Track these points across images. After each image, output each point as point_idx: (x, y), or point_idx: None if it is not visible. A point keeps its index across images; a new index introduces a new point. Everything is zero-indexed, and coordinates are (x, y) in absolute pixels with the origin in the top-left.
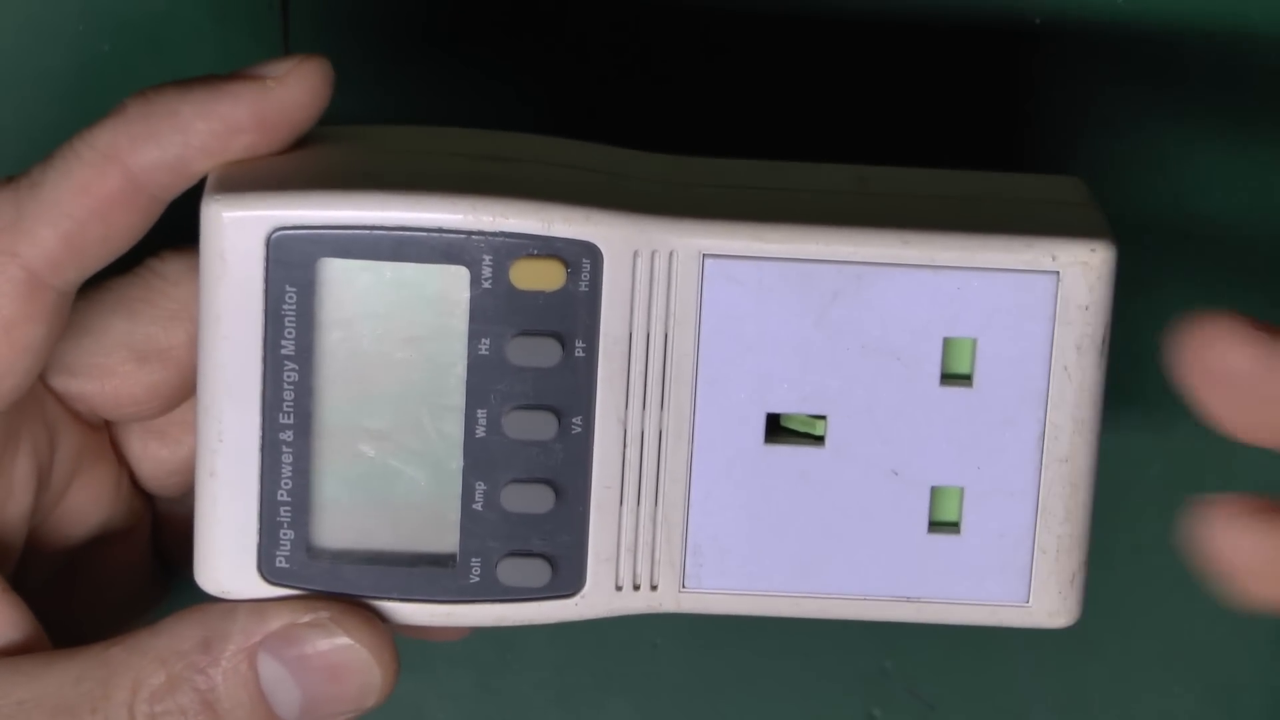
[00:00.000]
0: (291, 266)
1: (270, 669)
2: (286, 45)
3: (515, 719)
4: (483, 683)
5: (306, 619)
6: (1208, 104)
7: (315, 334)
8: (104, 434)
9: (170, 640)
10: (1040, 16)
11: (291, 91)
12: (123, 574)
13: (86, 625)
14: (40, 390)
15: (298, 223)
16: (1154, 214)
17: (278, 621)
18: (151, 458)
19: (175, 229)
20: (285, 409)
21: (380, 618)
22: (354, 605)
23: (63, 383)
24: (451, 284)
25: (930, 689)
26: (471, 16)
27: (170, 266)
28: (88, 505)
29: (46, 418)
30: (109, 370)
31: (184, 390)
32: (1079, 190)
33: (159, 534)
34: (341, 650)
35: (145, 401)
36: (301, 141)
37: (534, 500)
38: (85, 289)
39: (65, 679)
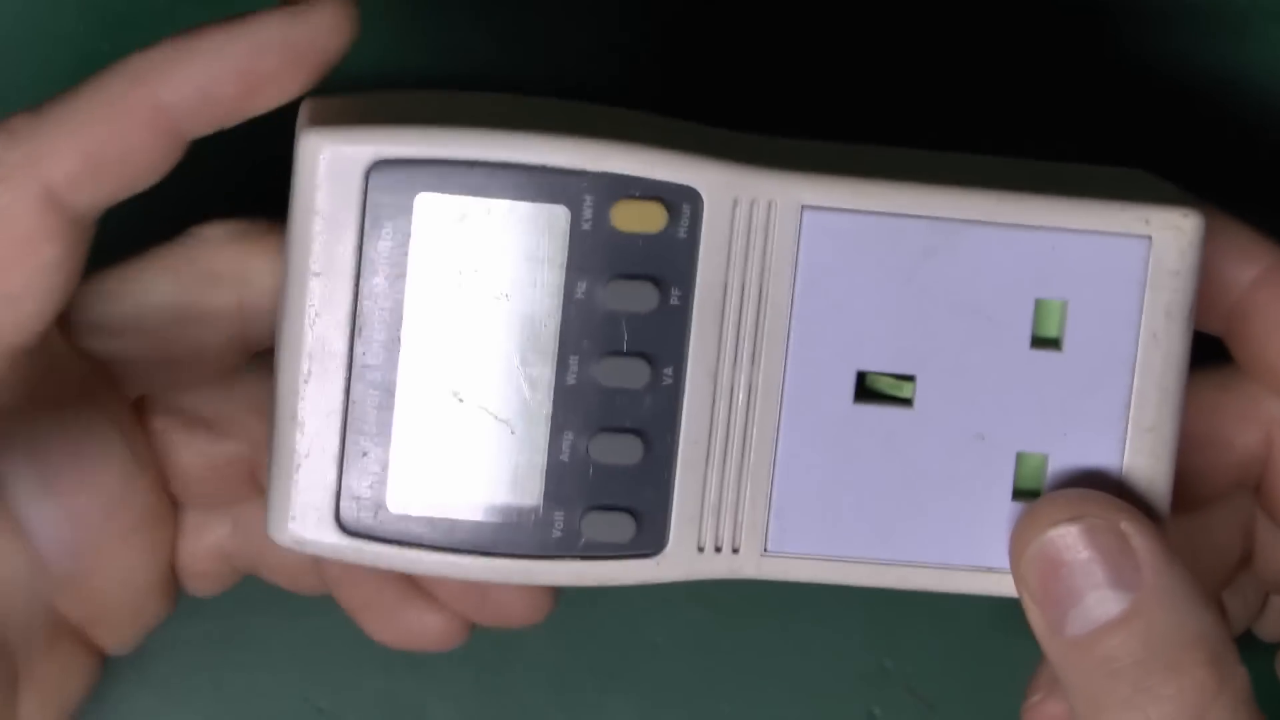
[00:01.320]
0: (389, 201)
1: None
2: None
3: (515, 719)
4: (483, 683)
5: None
6: None
7: (408, 272)
8: (131, 411)
9: None
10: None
11: (320, 17)
12: (128, 573)
13: (90, 619)
14: (52, 336)
15: (398, 155)
16: None
17: None
18: (193, 449)
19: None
20: (374, 351)
21: None
22: None
23: (103, 343)
24: (551, 223)
25: (930, 689)
26: (477, 21)
27: (215, 231)
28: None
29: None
30: (152, 333)
31: (228, 359)
32: (1150, 179)
33: (183, 553)
34: None
35: (186, 365)
36: (384, 94)
37: (622, 451)
38: (128, 254)
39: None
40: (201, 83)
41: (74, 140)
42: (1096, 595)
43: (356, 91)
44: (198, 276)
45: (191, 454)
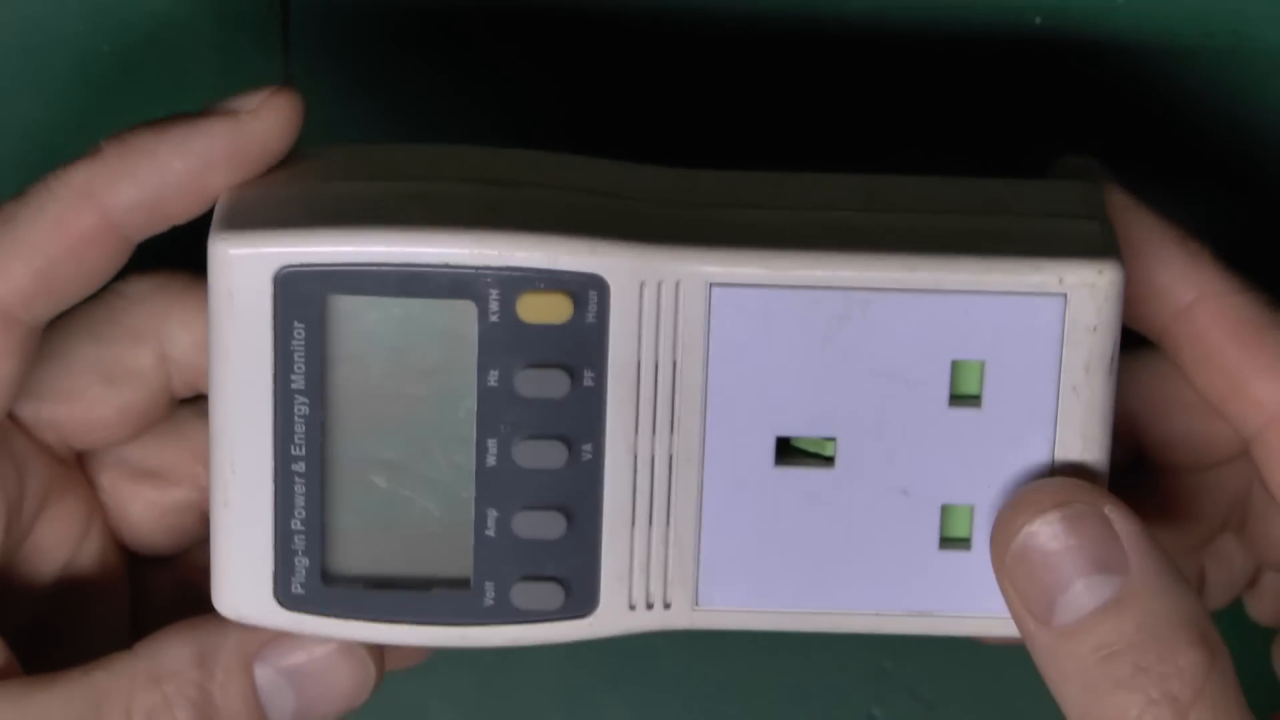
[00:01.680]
0: (299, 303)
1: (266, 679)
2: (286, 45)
3: (515, 719)
4: (483, 683)
5: (344, 641)
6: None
7: (325, 368)
8: (75, 469)
9: (160, 660)
10: (1040, 16)
11: (265, 124)
12: (94, 632)
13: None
14: (6, 424)
15: (305, 260)
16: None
17: (269, 631)
18: (142, 500)
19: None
20: (297, 441)
21: None
22: None
23: (31, 409)
24: (459, 318)
25: (930, 689)
26: (475, 21)
27: (135, 287)
28: (57, 541)
29: (13, 451)
30: (77, 394)
31: (154, 412)
32: (1088, 197)
33: (140, 604)
34: (336, 652)
35: (115, 425)
36: (305, 164)
37: (546, 526)
38: None
39: (52, 706)
40: (149, 196)
41: (26, 260)
42: (1085, 582)
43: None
44: (119, 336)
45: (142, 505)
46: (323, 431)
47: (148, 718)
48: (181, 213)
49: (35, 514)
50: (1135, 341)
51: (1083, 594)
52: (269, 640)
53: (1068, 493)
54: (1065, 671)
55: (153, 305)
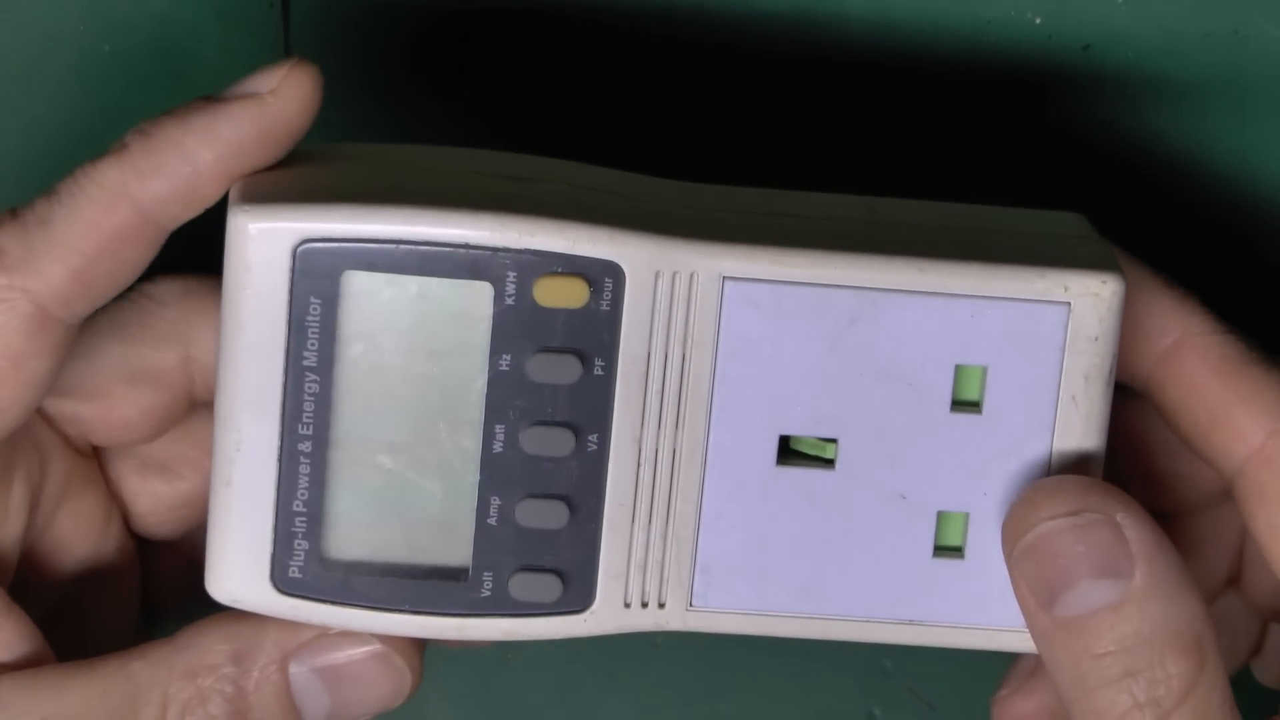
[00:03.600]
0: (316, 278)
1: (301, 678)
2: (287, 44)
3: (515, 719)
4: (483, 683)
5: (338, 627)
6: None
7: (337, 346)
8: (93, 461)
9: (198, 654)
10: (1040, 16)
11: (288, 101)
12: (110, 622)
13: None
14: (33, 415)
15: (324, 235)
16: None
17: (310, 631)
18: (150, 493)
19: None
20: (304, 420)
21: None
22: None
23: (56, 405)
24: (475, 299)
25: (930, 689)
26: (475, 23)
27: (162, 289)
28: (75, 534)
29: (38, 441)
30: (102, 392)
31: (175, 413)
32: (1082, 225)
33: (148, 582)
34: (374, 656)
35: (137, 424)
36: (321, 157)
37: (548, 516)
38: None
39: (90, 695)
40: (181, 188)
41: (63, 259)
42: (1089, 583)
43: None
44: (145, 338)
45: (150, 498)
46: (331, 411)
47: (183, 710)
48: (214, 197)
49: (56, 505)
50: (1116, 389)
51: (1085, 594)
52: (307, 639)
53: (1082, 496)
54: (1060, 661)
55: (179, 308)
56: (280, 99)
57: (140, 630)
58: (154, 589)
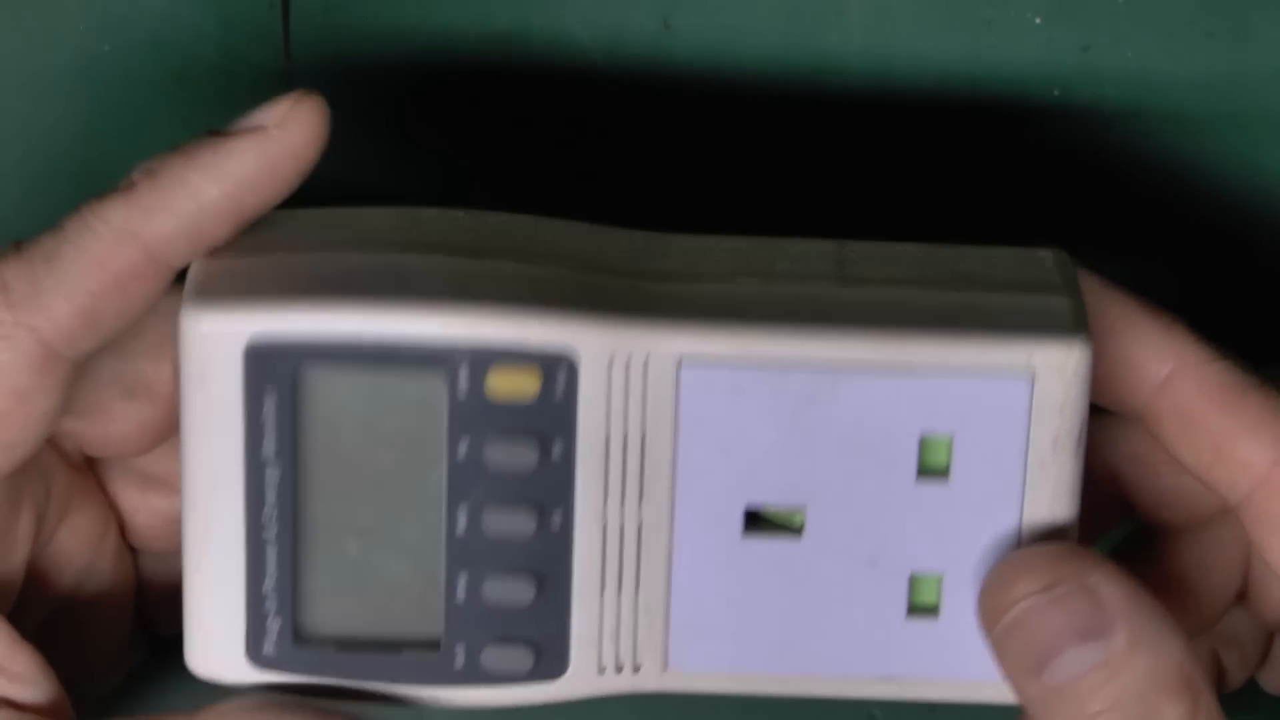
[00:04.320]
0: (270, 374)
1: None
2: (287, 45)
3: (516, 719)
4: None
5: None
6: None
7: (296, 437)
8: (89, 474)
9: None
10: (1040, 17)
11: (294, 135)
12: (105, 632)
13: (64, 682)
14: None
15: (275, 332)
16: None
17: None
18: (149, 508)
19: None
20: (268, 509)
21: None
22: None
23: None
24: (430, 390)
25: None
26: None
27: (157, 303)
28: (74, 547)
29: (41, 465)
30: (99, 407)
31: (171, 425)
32: (1060, 268)
33: (144, 596)
34: None
35: (134, 437)
36: (277, 230)
37: (515, 592)
38: None
39: None
40: (188, 226)
41: (70, 297)
42: (1074, 650)
43: None
44: (142, 351)
45: (148, 513)
46: (294, 497)
47: None
48: (222, 235)
49: (57, 524)
50: None
51: (1072, 660)
52: None
53: (1054, 567)
54: None
55: (174, 320)
56: (286, 133)
57: (135, 640)
58: (149, 598)
